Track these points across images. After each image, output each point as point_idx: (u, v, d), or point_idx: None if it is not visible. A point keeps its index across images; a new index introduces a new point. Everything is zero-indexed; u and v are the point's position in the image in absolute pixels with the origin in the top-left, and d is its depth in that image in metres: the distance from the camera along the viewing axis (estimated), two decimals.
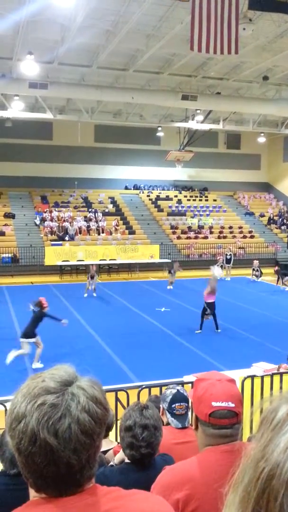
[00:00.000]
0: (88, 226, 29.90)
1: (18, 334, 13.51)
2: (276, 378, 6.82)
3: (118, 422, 5.95)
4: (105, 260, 26.73)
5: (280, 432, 0.65)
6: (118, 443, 3.96)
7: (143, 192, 35.15)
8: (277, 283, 21.91)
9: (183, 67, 21.39)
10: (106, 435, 3.95)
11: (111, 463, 3.12)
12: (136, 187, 35.44)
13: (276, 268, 22.42)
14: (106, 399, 1.17)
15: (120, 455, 2.94)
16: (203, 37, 12.51)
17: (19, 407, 1.10)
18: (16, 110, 24.43)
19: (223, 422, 1.94)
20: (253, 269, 24.43)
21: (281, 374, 7.02)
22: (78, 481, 1.11)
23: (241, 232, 32.64)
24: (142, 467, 2.66)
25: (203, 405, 1.98)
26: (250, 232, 32.91)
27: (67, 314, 16.37)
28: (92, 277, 20.07)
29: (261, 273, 24.46)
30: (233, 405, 1.95)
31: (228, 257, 25.56)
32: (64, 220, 29.59)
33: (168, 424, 3.27)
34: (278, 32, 17.19)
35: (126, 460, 2.77)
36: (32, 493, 1.15)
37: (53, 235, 28.57)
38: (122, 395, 6.39)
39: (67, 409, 1.08)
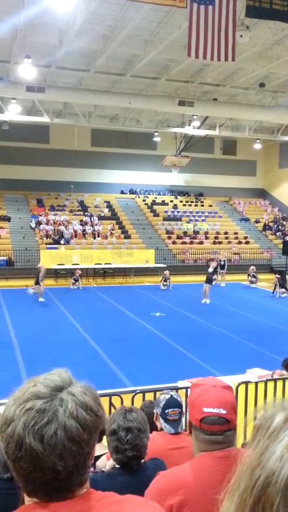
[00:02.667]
0: (84, 230, 29.87)
1: (14, 339, 13.49)
2: (270, 385, 6.82)
3: None
4: (100, 264, 26.70)
5: (276, 440, 0.65)
6: None
7: (139, 197, 35.17)
8: (273, 290, 21.94)
9: (180, 73, 21.47)
10: (100, 440, 3.93)
11: (103, 469, 3.11)
12: (132, 192, 35.47)
13: (278, 276, 22.45)
14: (99, 405, 1.15)
15: (111, 461, 2.94)
16: (200, 43, 12.57)
17: (8, 411, 1.10)
18: (13, 113, 24.44)
19: (213, 428, 1.93)
20: (249, 275, 24.45)
21: (275, 380, 7.02)
22: (68, 487, 1.10)
23: (236, 238, 32.71)
24: (131, 471, 2.66)
25: (195, 410, 1.98)
26: (245, 238, 32.98)
27: (61, 318, 16.35)
28: (75, 280, 22.74)
29: (257, 278, 24.46)
30: (224, 412, 1.95)
31: (222, 263, 25.41)
32: (59, 224, 29.57)
33: (161, 429, 3.26)
34: (275, 40, 17.31)
35: (116, 465, 2.77)
36: (26, 497, 1.14)
37: (48, 239, 28.53)
38: (116, 400, 6.37)
39: (54, 415, 1.06)
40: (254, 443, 0.68)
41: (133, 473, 2.64)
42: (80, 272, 23.38)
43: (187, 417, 2.16)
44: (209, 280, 19.80)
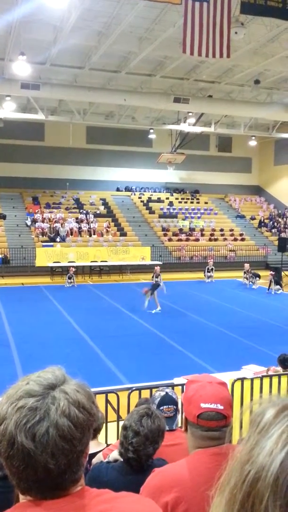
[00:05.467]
0: (80, 228, 29.84)
1: (10, 337, 13.48)
2: (266, 381, 6.84)
3: (109, 424, 5.94)
4: (96, 261, 26.69)
5: (266, 435, 0.65)
6: (108, 445, 3.96)
7: (134, 194, 35.16)
8: (269, 287, 21.99)
9: (175, 70, 21.44)
10: (94, 437, 3.94)
11: (107, 459, 3.11)
12: (127, 189, 35.45)
13: (273, 272, 22.48)
14: (93, 403, 1.15)
15: (115, 454, 2.94)
16: (195, 40, 12.55)
17: (1, 409, 1.09)
18: (8, 111, 24.34)
19: (211, 424, 1.93)
20: (244, 272, 24.43)
21: (270, 376, 7.04)
22: (61, 485, 1.09)
23: (232, 235, 32.75)
24: (135, 468, 2.66)
25: (192, 406, 1.98)
26: (241, 234, 33.03)
27: (57, 315, 16.34)
28: (69, 278, 22.78)
29: (256, 277, 23.60)
30: (221, 407, 1.95)
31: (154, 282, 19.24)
32: (55, 221, 29.53)
33: None
34: (270, 37, 17.29)
35: (120, 458, 2.78)
36: (20, 495, 1.14)
37: (44, 236, 28.48)
38: (112, 397, 6.38)
39: (46, 413, 1.06)
40: (245, 439, 0.68)
41: (138, 470, 2.65)
42: (73, 269, 23.36)
43: (183, 413, 2.17)
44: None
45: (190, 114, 26.96)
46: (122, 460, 2.75)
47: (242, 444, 0.68)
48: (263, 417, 0.68)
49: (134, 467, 2.66)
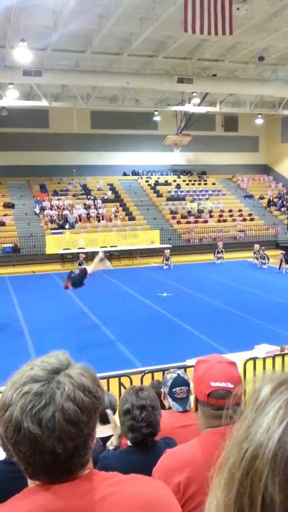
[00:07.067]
0: (88, 214, 29.83)
1: (23, 325, 13.60)
2: (278, 360, 6.85)
3: None
4: (105, 247, 26.69)
5: (263, 412, 0.65)
6: None
7: (141, 178, 34.99)
8: (279, 266, 21.87)
9: (177, 50, 21.14)
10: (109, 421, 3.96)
11: (110, 447, 3.15)
12: (134, 173, 35.28)
13: (283, 252, 22.32)
14: (98, 386, 1.15)
15: (115, 442, 2.98)
16: (196, 18, 12.36)
17: (6, 395, 1.10)
18: (11, 99, 24.24)
19: (221, 402, 1.94)
20: (254, 252, 24.28)
21: (283, 355, 7.04)
22: (69, 469, 1.10)
23: (241, 215, 32.55)
24: (145, 448, 2.70)
25: (202, 385, 1.99)
26: (250, 215, 32.81)
27: (70, 301, 16.43)
28: (80, 264, 22.00)
29: (268, 259, 23.26)
30: (232, 386, 1.96)
31: None
32: (63, 208, 29.54)
33: (169, 408, 3.29)
34: (273, 11, 16.94)
35: (128, 443, 2.81)
36: (29, 480, 1.15)
37: (53, 224, 28.53)
38: (125, 380, 6.43)
39: (52, 398, 1.07)
40: (242, 417, 0.67)
41: (146, 452, 2.68)
42: (83, 255, 23.38)
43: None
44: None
45: (194, 94, 26.64)
46: (129, 444, 2.78)
47: (239, 422, 0.67)
48: (260, 394, 0.67)
49: (149, 443, 2.70)
